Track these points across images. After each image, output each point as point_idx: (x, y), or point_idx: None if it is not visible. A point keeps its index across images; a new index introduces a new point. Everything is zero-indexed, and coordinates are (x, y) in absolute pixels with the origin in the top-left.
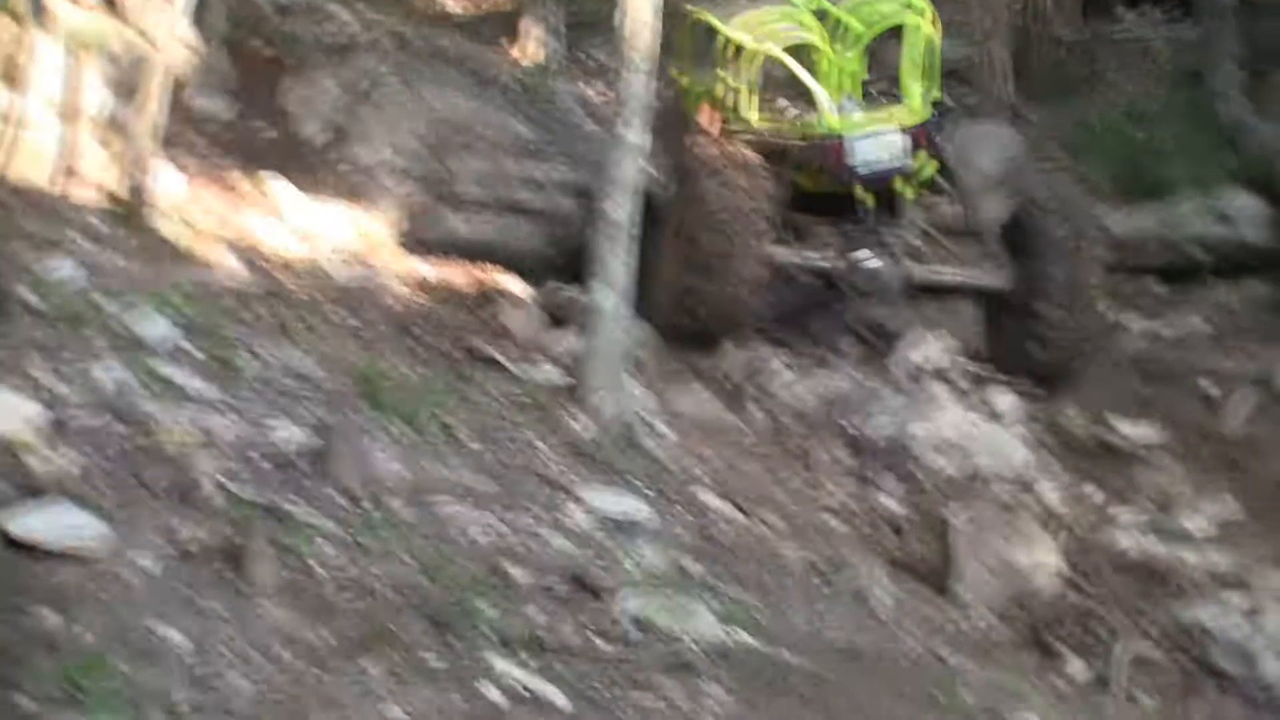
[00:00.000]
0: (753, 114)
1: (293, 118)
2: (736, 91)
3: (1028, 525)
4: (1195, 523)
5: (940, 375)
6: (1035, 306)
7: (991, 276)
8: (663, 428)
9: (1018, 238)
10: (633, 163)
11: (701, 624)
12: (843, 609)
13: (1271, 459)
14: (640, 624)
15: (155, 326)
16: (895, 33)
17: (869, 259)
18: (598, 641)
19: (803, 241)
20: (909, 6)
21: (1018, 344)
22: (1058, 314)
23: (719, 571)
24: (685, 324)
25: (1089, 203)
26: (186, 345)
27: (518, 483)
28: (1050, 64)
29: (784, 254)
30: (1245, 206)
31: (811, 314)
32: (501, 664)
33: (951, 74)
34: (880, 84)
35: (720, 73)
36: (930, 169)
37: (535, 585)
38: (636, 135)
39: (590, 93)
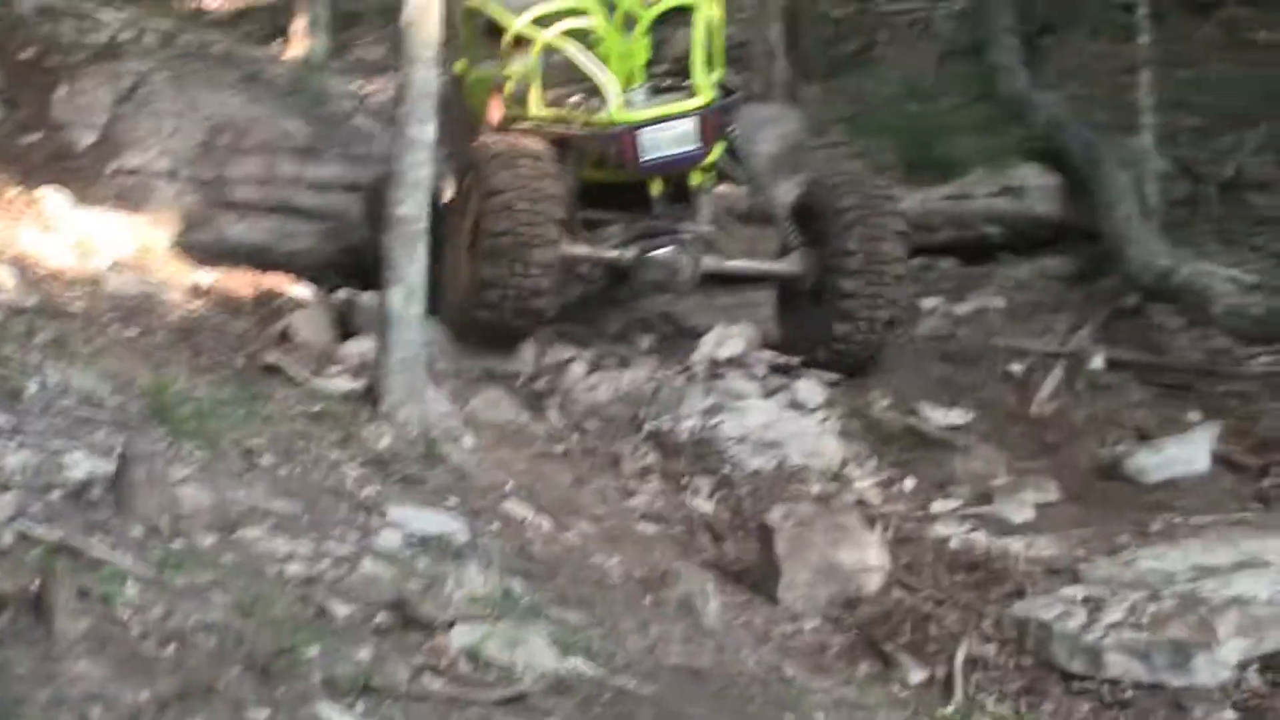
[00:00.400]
0: (537, 106)
1: (60, 124)
2: (520, 82)
3: (849, 522)
4: (1016, 510)
5: (742, 368)
6: (832, 286)
7: (785, 262)
8: (464, 436)
9: (807, 219)
10: (422, 159)
11: (535, 653)
12: (674, 625)
13: (1084, 437)
14: (472, 657)
15: None
16: (679, 16)
17: (660, 250)
18: (429, 680)
19: (594, 234)
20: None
21: (817, 328)
22: (855, 291)
23: (543, 592)
24: (482, 319)
25: (876, 177)
26: None
27: (325, 505)
28: (822, 42)
29: (575, 247)
30: (1034, 179)
31: (603, 308)
32: (330, 712)
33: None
34: (664, 68)
35: (503, 63)
36: (716, 152)
37: (358, 620)
38: (424, 130)
39: (363, 88)
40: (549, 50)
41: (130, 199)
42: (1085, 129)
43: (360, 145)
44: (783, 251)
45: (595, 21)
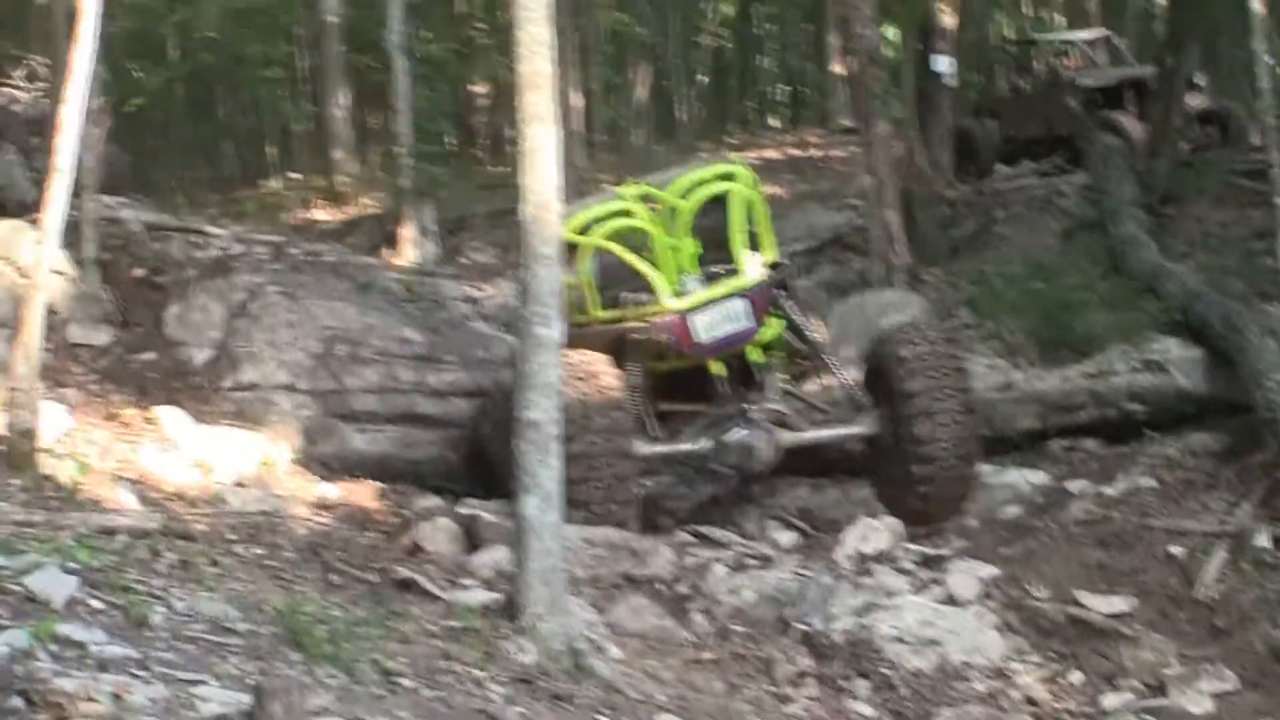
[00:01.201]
0: (595, 308)
1: (174, 340)
2: (576, 289)
3: None
4: (1194, 701)
5: (890, 562)
6: (905, 435)
7: (859, 424)
8: (609, 646)
9: (874, 379)
10: (551, 360)
11: None
12: None
13: (1256, 620)
14: None
15: (53, 581)
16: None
17: (733, 433)
18: None
19: (670, 429)
20: (724, 176)
21: (902, 480)
22: (926, 434)
23: None
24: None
25: (930, 324)
26: (89, 599)
27: None
28: (940, 224)
29: (652, 447)
30: (1175, 353)
31: (739, 506)
32: None
33: (838, 242)
34: (719, 255)
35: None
36: (776, 329)
37: None
38: (551, 331)
39: (476, 293)
40: (599, 253)
41: (249, 414)
42: (1222, 298)
43: (478, 350)
44: (854, 417)
45: (639, 220)
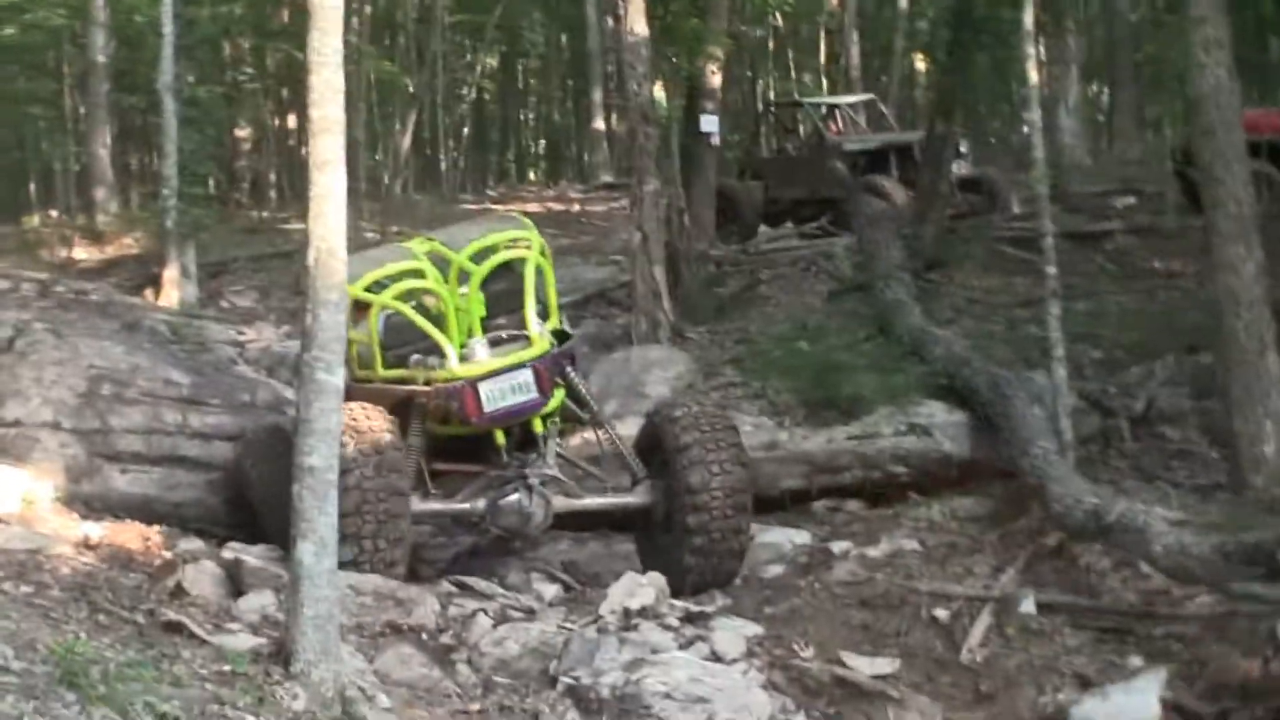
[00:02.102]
0: (380, 366)
1: None
2: (363, 345)
3: None
4: None
5: (655, 618)
6: (680, 521)
7: (634, 495)
8: (378, 694)
9: (650, 451)
10: (331, 406)
11: None
12: None
13: (1021, 685)
14: None
15: None
16: (510, 270)
17: (509, 497)
18: None
19: (446, 488)
20: (515, 242)
21: (671, 558)
22: (701, 526)
23: None
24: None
25: (716, 410)
26: None
27: None
28: (705, 283)
29: (427, 504)
30: (940, 417)
31: (502, 558)
32: None
33: (602, 297)
34: (505, 319)
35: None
36: (559, 399)
37: None
38: (332, 376)
39: (240, 336)
40: (387, 311)
41: (12, 451)
42: (988, 364)
43: (243, 393)
44: (632, 484)
45: (429, 282)
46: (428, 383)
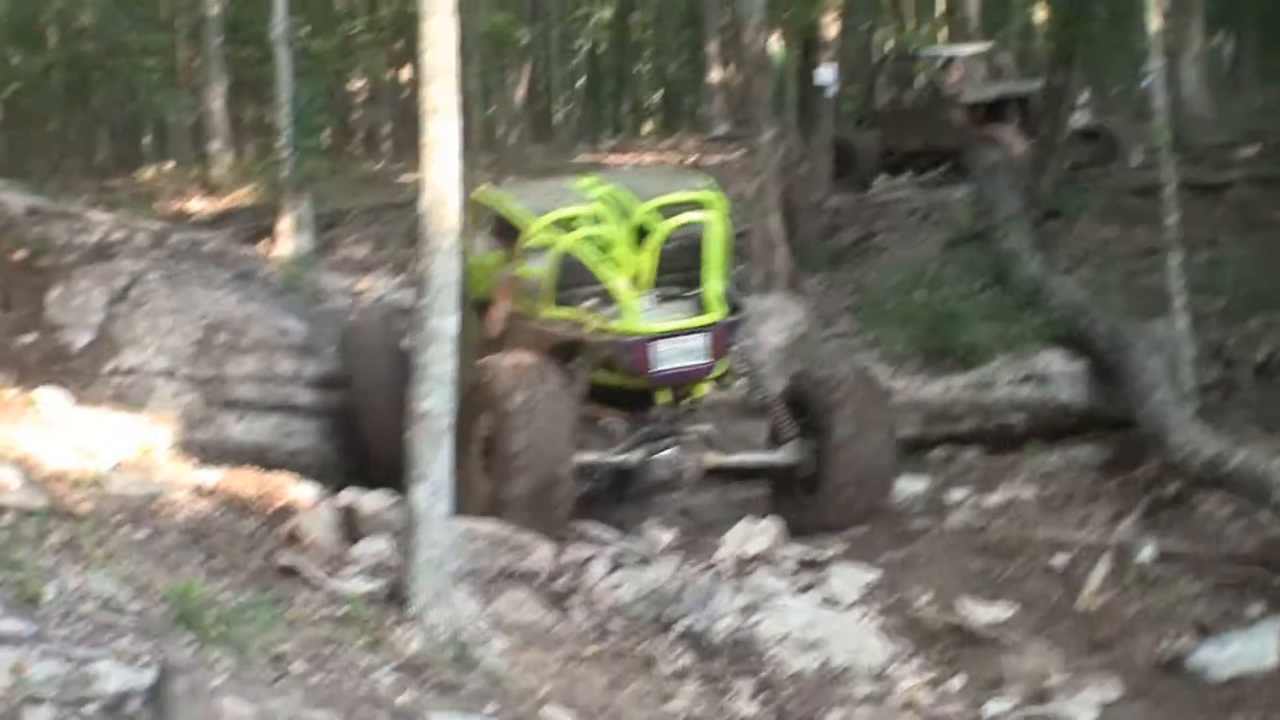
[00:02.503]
0: (550, 306)
1: (55, 323)
2: (532, 281)
3: None
4: (1079, 710)
5: (770, 564)
6: (826, 476)
7: (781, 453)
8: (494, 637)
9: (799, 409)
10: (445, 352)
11: None
12: None
13: (1138, 633)
14: None
15: None
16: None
17: (664, 451)
18: None
19: (601, 436)
20: (702, 203)
21: (814, 515)
22: (848, 480)
23: None
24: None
25: (866, 369)
26: None
27: (363, 715)
28: (821, 232)
29: (587, 455)
30: (1057, 366)
31: (619, 505)
32: None
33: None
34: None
35: (516, 261)
36: (723, 366)
37: None
38: (446, 322)
39: (354, 285)
40: (566, 255)
41: (129, 398)
42: (1107, 314)
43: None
44: (776, 442)
45: (611, 230)
46: (600, 331)
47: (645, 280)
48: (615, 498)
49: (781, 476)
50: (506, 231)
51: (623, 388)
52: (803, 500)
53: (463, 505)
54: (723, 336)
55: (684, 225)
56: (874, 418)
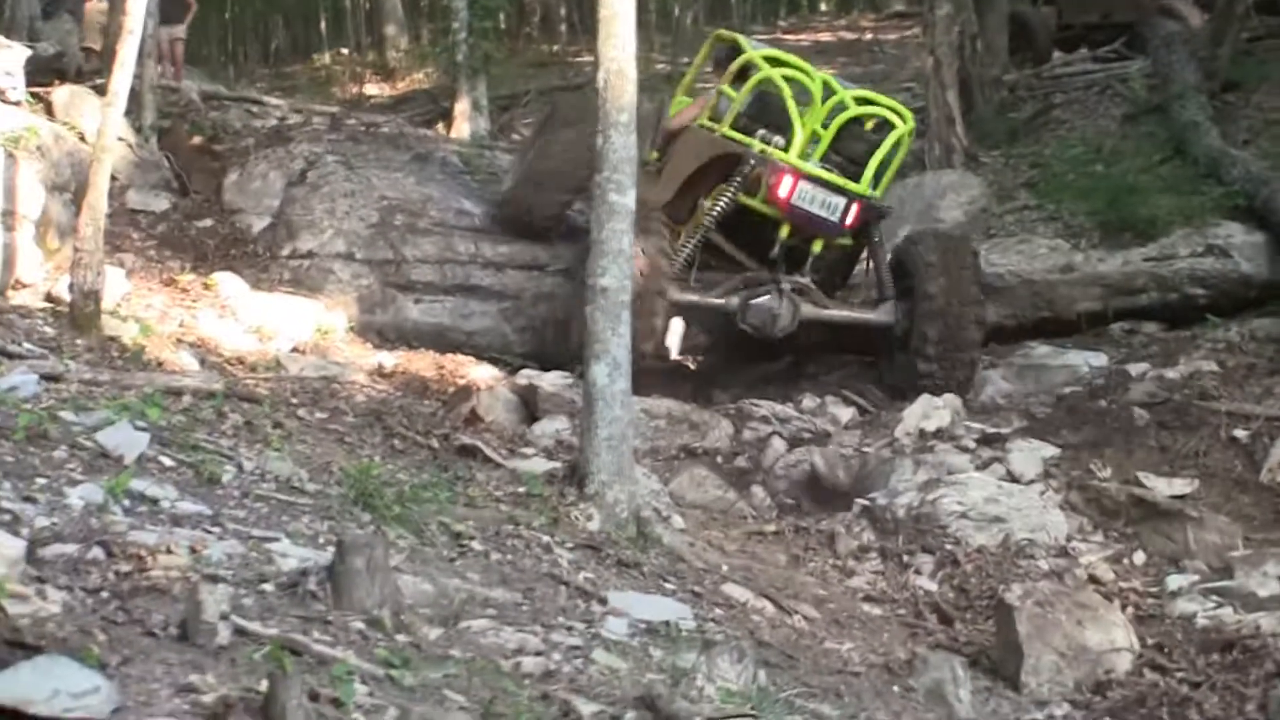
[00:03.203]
0: (729, 125)
1: (232, 208)
2: (725, 99)
3: (1091, 600)
4: (1260, 583)
5: (951, 440)
6: (917, 332)
7: (879, 312)
8: (673, 516)
9: (901, 274)
10: (623, 228)
11: None
12: (927, 714)
13: None
14: None
15: (124, 437)
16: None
17: (760, 298)
18: None
19: (707, 276)
20: (897, 113)
21: (907, 371)
22: (936, 337)
23: (789, 684)
24: None
25: (961, 235)
26: (160, 456)
27: (543, 592)
28: (998, 107)
29: (685, 297)
30: (1238, 238)
31: (796, 381)
32: None
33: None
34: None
35: (724, 84)
36: (847, 239)
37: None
38: (624, 198)
39: None
40: (763, 89)
41: (306, 282)
42: None
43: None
44: (880, 302)
45: (813, 86)
46: (761, 152)
47: (820, 147)
48: (798, 374)
49: (882, 337)
50: (727, 59)
51: (758, 216)
52: (899, 360)
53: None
54: (861, 209)
55: (873, 116)
56: (962, 279)
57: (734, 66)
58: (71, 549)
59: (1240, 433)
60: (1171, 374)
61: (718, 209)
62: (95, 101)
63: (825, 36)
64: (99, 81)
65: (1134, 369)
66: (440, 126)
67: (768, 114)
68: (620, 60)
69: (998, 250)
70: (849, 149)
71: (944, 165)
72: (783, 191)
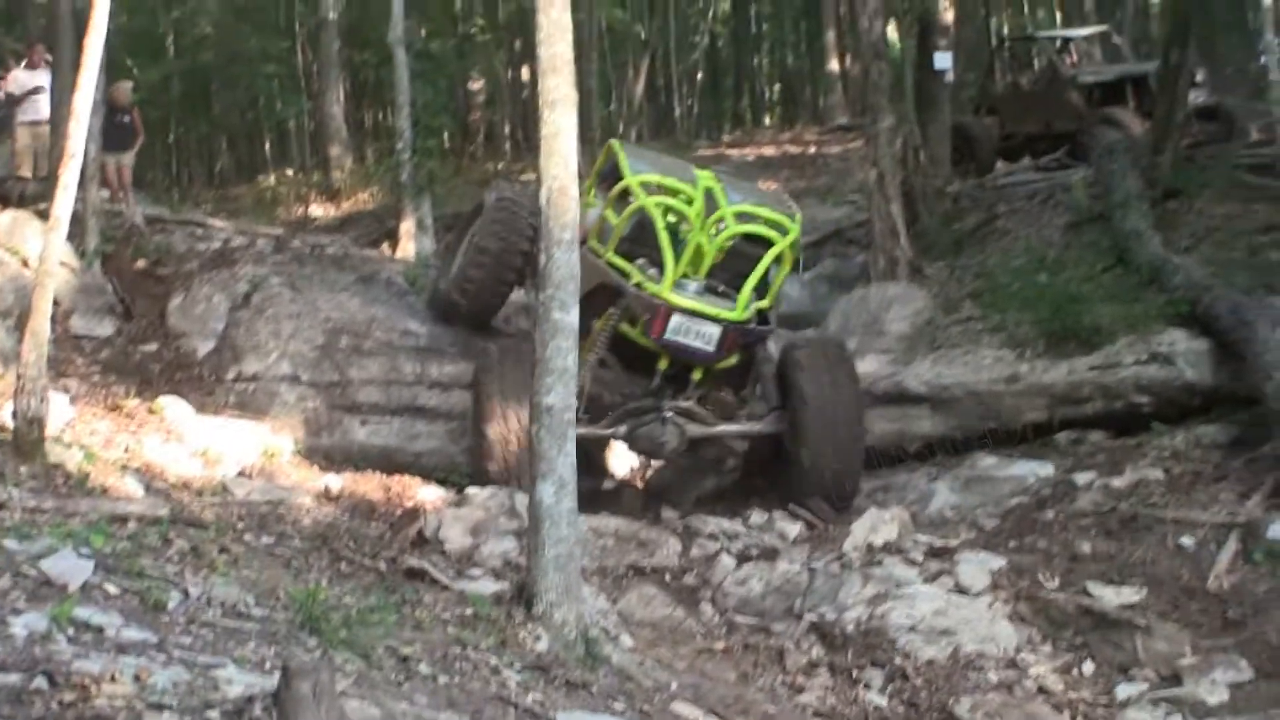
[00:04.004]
0: (611, 250)
1: (177, 331)
2: (608, 225)
3: (1040, 712)
4: (1209, 691)
5: (899, 553)
6: (795, 440)
7: (763, 422)
8: (621, 634)
9: (782, 384)
10: (567, 346)
11: None
12: None
13: (1270, 611)
14: None
15: (68, 565)
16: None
17: (646, 426)
18: None
19: (601, 399)
20: (779, 225)
21: (790, 480)
22: (815, 442)
23: None
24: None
25: (834, 338)
26: (105, 583)
27: (492, 715)
28: (941, 218)
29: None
30: (1182, 345)
31: (745, 498)
32: None
33: (839, 236)
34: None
35: (606, 203)
36: (731, 362)
37: None
38: (568, 316)
39: None
40: (643, 213)
41: (251, 405)
42: (1229, 291)
43: (480, 340)
44: (770, 413)
45: (689, 212)
46: (639, 285)
47: (702, 267)
48: (747, 490)
49: (770, 447)
50: (611, 177)
51: (639, 346)
52: (786, 471)
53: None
54: (735, 336)
55: (751, 235)
56: (837, 383)
57: (615, 191)
58: (14, 678)
59: (1187, 540)
60: (1118, 482)
61: (602, 338)
62: (38, 226)
63: (770, 150)
64: (42, 206)
65: (1080, 478)
66: (385, 246)
67: (647, 239)
68: (563, 178)
69: (943, 362)
70: (734, 265)
71: (889, 277)
72: (655, 326)
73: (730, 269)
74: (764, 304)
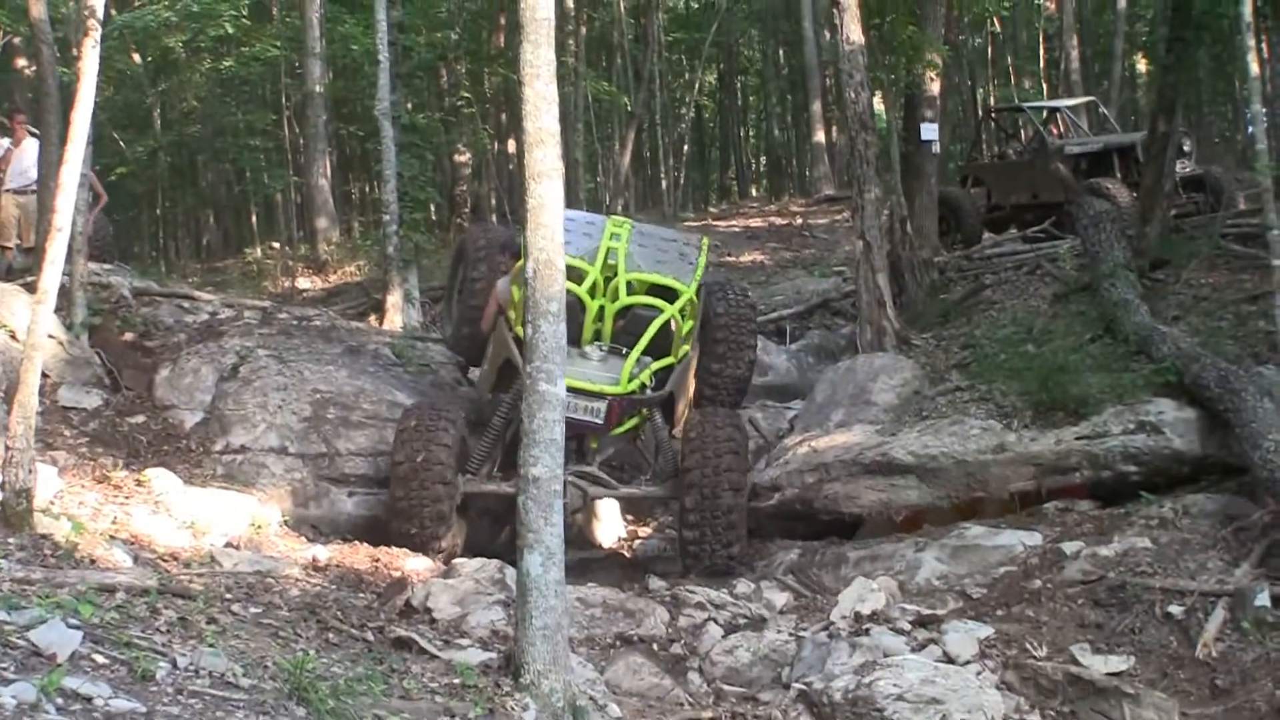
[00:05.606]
0: (519, 325)
1: (164, 404)
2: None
3: None
4: None
5: (886, 622)
6: (681, 503)
7: (661, 487)
8: (609, 704)
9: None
10: (554, 417)
11: None
12: None
13: (1259, 680)
14: None
15: (57, 635)
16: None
17: None
18: None
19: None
20: (672, 291)
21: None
22: (694, 507)
23: None
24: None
25: (722, 410)
26: (93, 654)
27: None
28: (927, 289)
29: (477, 488)
30: (1170, 414)
31: (721, 564)
32: None
33: (825, 307)
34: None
35: (513, 280)
36: (628, 426)
37: None
38: (557, 387)
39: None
40: None
41: (239, 477)
42: (1217, 360)
43: (469, 412)
44: (669, 478)
45: (581, 289)
46: None
47: (605, 332)
48: (735, 560)
49: (668, 510)
50: (514, 253)
51: None
52: (679, 533)
53: None
54: (619, 407)
55: (635, 305)
56: (719, 449)
57: (518, 266)
58: None
59: (1175, 608)
60: (1106, 551)
61: (502, 410)
62: (25, 299)
63: (756, 222)
64: (29, 279)
65: (1068, 547)
66: (372, 319)
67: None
68: (549, 250)
69: (930, 432)
70: (635, 328)
71: (876, 348)
72: None
73: (633, 331)
74: (667, 361)
